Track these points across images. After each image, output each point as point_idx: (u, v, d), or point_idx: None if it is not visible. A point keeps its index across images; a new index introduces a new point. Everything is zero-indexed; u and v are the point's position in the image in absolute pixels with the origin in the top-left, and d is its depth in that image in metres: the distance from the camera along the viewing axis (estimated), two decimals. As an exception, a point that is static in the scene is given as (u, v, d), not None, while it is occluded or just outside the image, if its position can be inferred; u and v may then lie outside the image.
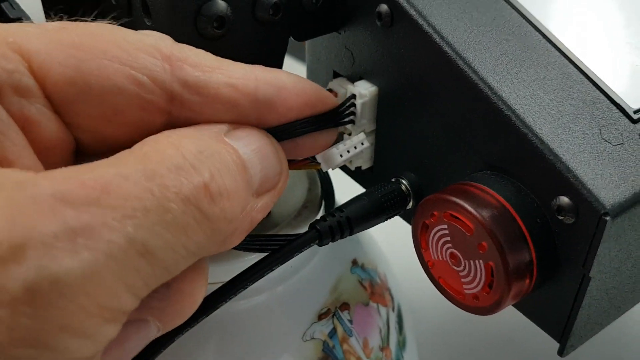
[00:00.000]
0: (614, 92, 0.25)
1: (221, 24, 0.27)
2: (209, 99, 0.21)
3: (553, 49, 0.26)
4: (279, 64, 0.30)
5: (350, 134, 0.31)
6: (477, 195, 0.23)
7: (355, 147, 0.29)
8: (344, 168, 0.34)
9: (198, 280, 0.21)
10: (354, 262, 0.36)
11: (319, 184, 0.35)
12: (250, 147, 0.21)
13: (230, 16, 0.27)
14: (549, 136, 0.22)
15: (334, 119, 0.30)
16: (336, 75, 0.32)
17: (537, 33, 0.26)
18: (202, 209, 0.18)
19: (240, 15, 0.27)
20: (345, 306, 0.33)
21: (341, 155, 0.29)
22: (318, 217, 0.29)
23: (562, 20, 0.27)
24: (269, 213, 0.34)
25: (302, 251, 0.27)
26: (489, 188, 0.23)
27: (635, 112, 0.25)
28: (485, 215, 0.23)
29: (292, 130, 0.25)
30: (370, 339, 0.34)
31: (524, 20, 0.27)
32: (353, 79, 0.31)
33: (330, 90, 0.32)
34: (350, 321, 0.33)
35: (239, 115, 0.22)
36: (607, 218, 0.21)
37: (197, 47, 0.27)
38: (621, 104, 0.25)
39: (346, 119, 0.30)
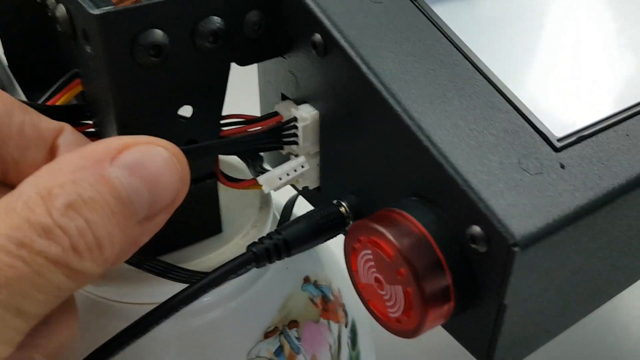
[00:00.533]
0: (538, 120, 0.26)
1: (158, 53, 0.27)
2: None
3: (481, 77, 0.26)
4: (221, 89, 0.31)
5: (296, 155, 0.32)
6: (398, 223, 0.24)
7: (295, 170, 0.30)
8: (295, 187, 0.35)
9: (71, 312, 0.23)
10: (306, 279, 0.36)
11: (271, 202, 0.36)
12: (138, 174, 0.21)
13: (167, 45, 0.27)
14: (464, 166, 0.23)
15: (276, 140, 0.31)
16: (284, 97, 0.33)
17: (466, 62, 0.27)
18: (72, 266, 0.20)
19: (179, 44, 0.28)
20: (293, 324, 0.34)
21: (280, 178, 0.30)
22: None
23: (493, 47, 0.28)
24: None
25: (239, 274, 0.28)
26: (410, 215, 0.24)
27: (559, 140, 0.25)
28: (403, 242, 0.23)
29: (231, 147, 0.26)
30: (319, 356, 0.34)
31: (454, 49, 0.27)
32: (298, 102, 0.32)
33: (276, 113, 0.33)
34: (299, 338, 0.34)
35: None
36: (516, 249, 0.21)
37: (135, 76, 0.27)
38: (545, 132, 0.25)
39: (288, 140, 0.31)
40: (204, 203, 0.34)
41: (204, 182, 0.33)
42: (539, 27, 0.30)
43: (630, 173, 0.24)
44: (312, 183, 0.33)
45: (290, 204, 0.36)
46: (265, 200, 0.36)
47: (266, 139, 0.32)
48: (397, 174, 0.26)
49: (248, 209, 0.35)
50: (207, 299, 0.32)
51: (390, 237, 0.23)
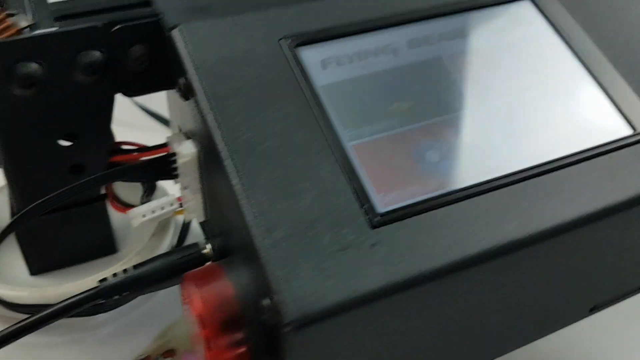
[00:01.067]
0: (367, 191, 0.25)
1: (31, 84, 0.28)
2: None
3: (322, 138, 0.26)
4: (106, 118, 0.31)
5: (185, 188, 0.32)
6: (212, 284, 0.24)
7: (162, 208, 0.30)
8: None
9: None
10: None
11: (170, 224, 0.36)
12: None
13: (42, 76, 0.28)
14: (267, 238, 0.23)
15: (164, 171, 0.31)
16: (180, 129, 0.33)
17: (318, 126, 0.26)
18: None
19: (57, 75, 0.29)
20: (169, 353, 0.34)
21: (144, 215, 0.30)
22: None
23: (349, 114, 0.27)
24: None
25: (84, 307, 0.28)
26: (227, 279, 0.24)
27: (382, 215, 0.25)
28: (207, 304, 0.23)
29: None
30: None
31: (308, 108, 0.27)
32: (188, 136, 0.32)
33: (167, 144, 0.33)
34: (172, 368, 0.34)
35: None
36: (287, 329, 0.21)
37: (11, 106, 0.28)
38: (368, 205, 0.25)
39: (175, 173, 0.31)
40: (93, 223, 0.34)
41: (92, 204, 0.34)
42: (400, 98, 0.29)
43: (440, 262, 0.23)
44: (199, 217, 0.33)
45: (185, 229, 0.36)
46: (165, 222, 0.36)
47: (152, 170, 0.32)
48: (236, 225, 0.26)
49: (146, 230, 0.36)
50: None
51: (198, 299, 0.23)
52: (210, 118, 0.26)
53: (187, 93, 0.28)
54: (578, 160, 0.27)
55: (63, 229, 0.34)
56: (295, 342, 0.22)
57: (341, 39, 0.30)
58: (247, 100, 0.26)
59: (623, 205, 0.26)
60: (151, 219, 0.30)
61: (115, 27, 0.29)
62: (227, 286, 0.24)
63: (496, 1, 0.32)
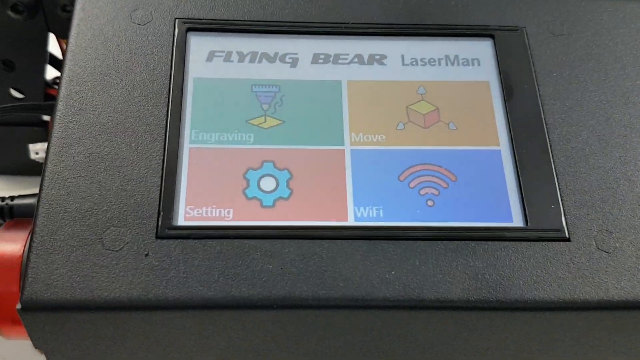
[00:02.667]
0: (173, 201, 0.24)
1: None
2: None
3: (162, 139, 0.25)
4: (40, 53, 0.33)
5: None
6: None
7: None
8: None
9: None
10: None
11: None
12: None
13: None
14: (44, 216, 0.23)
15: None
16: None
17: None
18: None
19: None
20: None
21: (37, 153, 0.32)
22: None
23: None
24: None
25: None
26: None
27: (173, 228, 0.24)
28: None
29: None
30: None
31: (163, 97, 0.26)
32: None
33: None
34: None
35: None
36: (19, 307, 0.22)
37: None
38: (167, 211, 0.24)
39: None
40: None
41: (33, 127, 0.36)
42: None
43: (194, 294, 0.22)
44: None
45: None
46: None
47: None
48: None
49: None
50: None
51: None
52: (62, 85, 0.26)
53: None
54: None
55: (5, 140, 0.37)
56: (29, 321, 0.22)
57: (240, 34, 0.28)
58: (107, 70, 0.26)
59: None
60: (41, 159, 0.32)
61: (43, -29, 0.30)
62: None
63: (455, 32, 0.29)
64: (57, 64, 0.36)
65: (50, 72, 0.36)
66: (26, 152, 0.36)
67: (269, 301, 0.23)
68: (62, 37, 0.33)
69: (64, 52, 0.34)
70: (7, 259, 0.25)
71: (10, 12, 0.30)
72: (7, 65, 0.33)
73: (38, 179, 0.25)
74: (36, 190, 0.34)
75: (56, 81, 0.35)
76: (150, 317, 0.23)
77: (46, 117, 0.36)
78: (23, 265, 0.25)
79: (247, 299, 0.23)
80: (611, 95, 0.27)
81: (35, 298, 0.22)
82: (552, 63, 0.28)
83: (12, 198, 0.31)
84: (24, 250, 0.25)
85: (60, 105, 0.25)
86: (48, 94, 0.35)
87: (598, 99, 0.27)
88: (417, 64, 0.28)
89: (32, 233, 0.23)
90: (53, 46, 0.35)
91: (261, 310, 0.23)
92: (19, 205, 0.31)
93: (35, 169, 0.37)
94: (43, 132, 0.36)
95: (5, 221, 0.32)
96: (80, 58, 0.26)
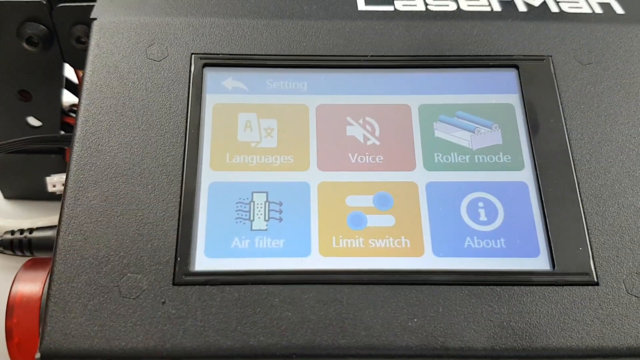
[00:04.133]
0: (193, 242, 0.24)
1: None
2: None
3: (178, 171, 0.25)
4: (56, 84, 0.33)
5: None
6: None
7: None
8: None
9: None
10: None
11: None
12: None
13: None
14: (61, 262, 0.23)
15: None
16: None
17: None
18: None
19: (6, 42, 0.30)
20: None
21: (54, 186, 0.31)
22: None
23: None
24: None
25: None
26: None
27: (194, 274, 0.23)
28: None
29: None
30: None
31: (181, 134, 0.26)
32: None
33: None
34: None
35: None
36: (38, 356, 0.22)
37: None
38: (184, 257, 0.23)
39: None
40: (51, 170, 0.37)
41: (49, 155, 0.36)
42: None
43: (212, 344, 0.22)
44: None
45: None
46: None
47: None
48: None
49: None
50: None
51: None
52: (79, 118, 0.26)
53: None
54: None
55: (25, 168, 0.37)
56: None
57: (257, 69, 0.27)
58: (123, 108, 0.26)
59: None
60: (59, 191, 0.32)
61: (58, 5, 0.29)
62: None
63: (478, 64, 0.28)
64: (74, 89, 0.36)
65: (67, 97, 0.36)
66: (44, 180, 0.36)
67: (288, 350, 0.22)
68: (78, 67, 0.32)
69: (79, 80, 0.34)
70: (27, 301, 0.25)
71: (25, 45, 0.30)
72: (23, 96, 0.33)
73: (56, 204, 0.24)
74: (54, 219, 0.34)
75: (73, 109, 0.35)
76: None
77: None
78: (42, 309, 0.25)
79: (266, 348, 0.22)
80: (642, 128, 0.26)
81: (54, 347, 0.22)
82: (580, 94, 0.27)
83: (30, 231, 0.31)
84: (42, 292, 0.25)
85: (76, 147, 0.25)
86: (64, 121, 0.34)
87: (628, 132, 0.26)
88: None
89: (50, 280, 0.23)
90: (69, 71, 0.35)
91: (280, 360, 0.23)
92: (38, 239, 0.31)
93: (53, 195, 0.37)
94: (61, 160, 0.36)
95: (24, 253, 0.32)
96: (96, 97, 0.26)
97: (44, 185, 0.37)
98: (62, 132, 0.34)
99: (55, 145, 0.34)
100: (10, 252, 0.32)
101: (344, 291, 0.23)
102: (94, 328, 0.22)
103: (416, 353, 0.22)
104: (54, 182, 0.33)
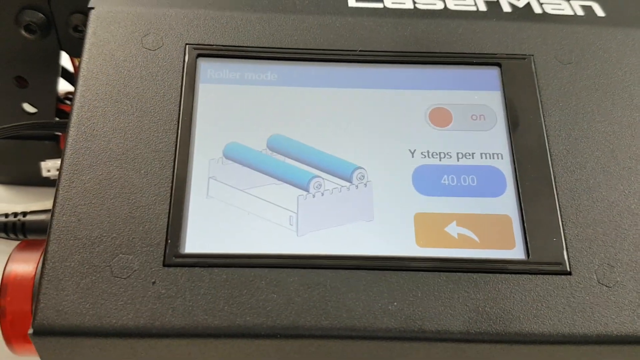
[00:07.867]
0: (181, 228, 0.24)
1: None
2: None
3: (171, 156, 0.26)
4: (52, 71, 0.33)
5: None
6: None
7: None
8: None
9: None
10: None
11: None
12: None
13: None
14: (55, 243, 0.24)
15: None
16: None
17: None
18: None
19: (4, 28, 0.31)
20: None
21: (49, 170, 0.32)
22: None
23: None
24: None
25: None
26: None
27: (181, 256, 0.24)
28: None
29: None
30: None
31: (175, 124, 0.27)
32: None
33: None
34: None
35: None
36: (31, 332, 0.23)
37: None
38: (174, 239, 0.24)
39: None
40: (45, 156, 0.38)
41: (43, 141, 0.37)
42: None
43: (198, 322, 0.23)
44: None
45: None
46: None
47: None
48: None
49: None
50: None
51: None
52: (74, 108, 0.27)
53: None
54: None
55: (19, 153, 0.37)
56: (40, 345, 0.23)
57: (250, 61, 0.28)
58: (118, 95, 0.27)
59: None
60: (53, 176, 0.33)
61: (55, -7, 0.30)
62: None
63: (462, 61, 0.29)
64: (69, 77, 0.36)
65: (62, 85, 0.36)
66: (38, 165, 0.36)
67: (273, 330, 0.23)
68: (75, 55, 0.33)
69: (75, 69, 0.35)
70: (20, 280, 0.26)
71: (23, 32, 0.31)
72: (20, 82, 0.34)
73: (49, 190, 0.25)
74: (47, 204, 0.35)
75: (68, 96, 0.35)
76: (156, 345, 0.23)
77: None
78: (35, 288, 0.25)
79: (251, 328, 0.23)
80: (618, 127, 0.28)
81: (47, 324, 0.23)
82: (559, 92, 0.28)
83: (24, 214, 0.32)
84: (35, 272, 0.26)
85: (72, 132, 0.26)
86: (60, 109, 0.35)
87: (604, 130, 0.27)
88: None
89: (43, 259, 0.24)
90: (65, 60, 0.35)
91: (265, 339, 0.23)
92: (31, 222, 0.32)
93: (47, 181, 0.38)
94: (55, 146, 0.37)
95: (17, 236, 0.33)
96: (92, 84, 0.27)
97: (38, 171, 0.37)
98: (57, 119, 0.35)
99: (49, 131, 0.34)
100: (4, 235, 0.33)
101: (327, 275, 0.24)
102: (85, 306, 0.23)
103: (395, 335, 0.23)
104: (49, 167, 0.34)
